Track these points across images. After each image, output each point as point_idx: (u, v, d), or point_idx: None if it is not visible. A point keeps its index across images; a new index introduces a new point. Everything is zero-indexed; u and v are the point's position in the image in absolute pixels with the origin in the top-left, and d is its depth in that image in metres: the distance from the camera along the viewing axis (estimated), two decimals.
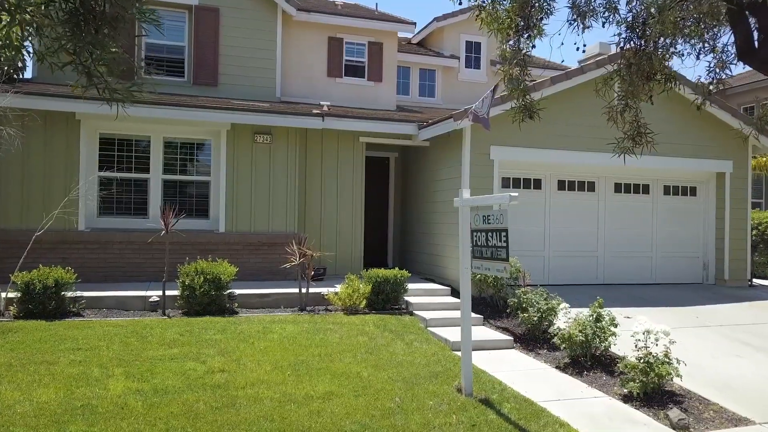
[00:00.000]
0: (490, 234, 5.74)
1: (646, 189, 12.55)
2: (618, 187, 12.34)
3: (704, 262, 12.74)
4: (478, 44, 17.34)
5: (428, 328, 8.89)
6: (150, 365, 6.52)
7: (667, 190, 12.69)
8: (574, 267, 11.91)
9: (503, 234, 5.52)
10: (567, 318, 7.89)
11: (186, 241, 10.49)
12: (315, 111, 11.33)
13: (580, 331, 7.36)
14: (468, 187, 10.63)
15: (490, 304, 10.04)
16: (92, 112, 10.02)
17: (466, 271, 6.27)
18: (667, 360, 6.37)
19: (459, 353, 7.82)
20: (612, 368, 7.37)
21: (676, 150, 11.88)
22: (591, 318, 7.51)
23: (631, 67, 4.82)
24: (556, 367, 7.50)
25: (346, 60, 14.24)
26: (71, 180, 10.00)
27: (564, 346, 7.46)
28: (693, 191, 12.86)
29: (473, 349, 8.11)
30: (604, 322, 7.46)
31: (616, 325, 7.51)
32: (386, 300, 9.65)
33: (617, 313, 7.87)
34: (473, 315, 9.30)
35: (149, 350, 7.03)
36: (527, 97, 5.48)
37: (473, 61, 17.35)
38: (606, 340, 7.39)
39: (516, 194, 5.42)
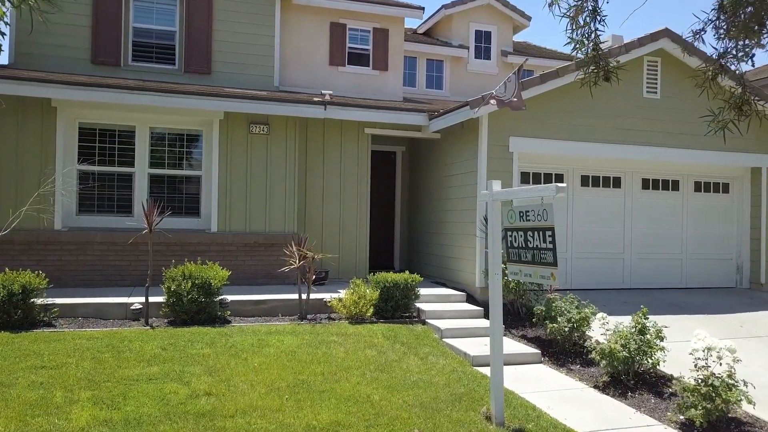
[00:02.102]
0: (530, 233, 4.78)
1: (675, 185, 11.57)
2: (645, 183, 11.36)
3: (738, 264, 11.77)
4: (488, 33, 16.37)
5: (444, 340, 7.93)
6: (124, 388, 5.55)
7: (698, 187, 11.70)
8: (598, 270, 10.94)
9: (549, 233, 4.55)
10: (605, 329, 6.92)
11: (174, 241, 9.52)
12: (316, 99, 10.36)
13: (622, 346, 6.39)
14: (485, 183, 9.71)
15: (511, 312, 9.06)
16: (70, 99, 9.07)
17: (497, 278, 5.30)
18: (733, 382, 5.40)
19: (482, 370, 6.88)
20: (660, 388, 6.41)
21: (708, 143, 10.90)
22: (634, 330, 6.55)
23: (736, 14, 3.82)
24: (594, 387, 6.53)
25: (350, 47, 13.25)
26: (47, 174, 9.00)
27: (604, 362, 6.49)
28: (726, 188, 11.88)
29: None
30: (649, 335, 6.49)
31: (662, 338, 6.55)
32: (395, 307, 8.67)
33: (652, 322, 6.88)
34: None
35: (125, 368, 6.05)
36: (600, 56, 4.34)
37: (483, 52, 16.37)
38: (653, 356, 6.42)
39: (564, 185, 4.45)
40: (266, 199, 10.21)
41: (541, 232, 4.65)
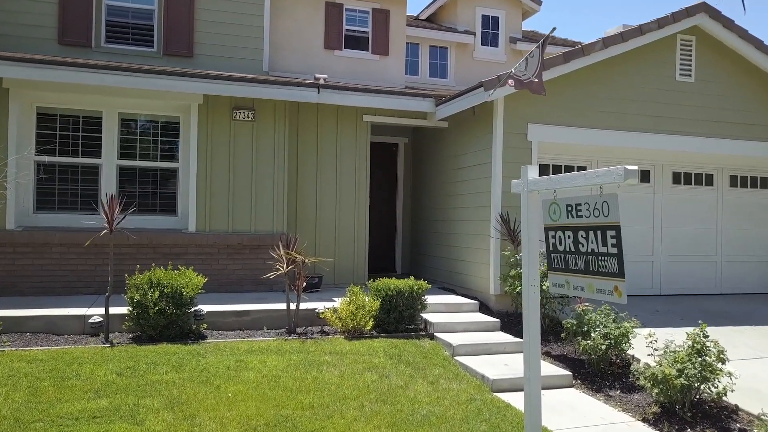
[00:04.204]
0: (582, 234, 3.61)
1: (709, 179, 10.41)
2: (677, 177, 10.20)
3: None
4: (496, 19, 15.22)
5: (456, 358, 6.76)
6: (57, 431, 4.37)
7: (733, 181, 10.55)
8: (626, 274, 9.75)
9: (611, 233, 3.39)
10: (653, 348, 5.77)
11: (146, 243, 8.35)
12: (308, 81, 9.18)
13: (678, 371, 5.23)
14: (500, 176, 8.56)
15: None
16: (23, 78, 7.88)
17: (533, 291, 4.14)
18: None
19: (504, 397, 5.74)
20: (724, 423, 5.25)
21: (746, 132, 9.77)
22: (691, 350, 5.39)
23: None
24: (643, 420, 5.37)
25: (347, 30, 12.11)
26: None
27: (656, 390, 5.32)
28: (764, 182, 10.72)
29: (520, 389, 6.03)
30: (709, 357, 5.33)
31: (724, 361, 5.40)
32: (399, 319, 7.50)
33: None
34: (511, 339, 7.19)
35: (66, 402, 4.86)
36: None
37: (490, 38, 15.21)
38: (716, 383, 5.26)
39: (635, 168, 3.29)
40: (252, 194, 9.03)
41: (599, 232, 3.49)
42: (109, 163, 8.67)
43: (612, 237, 3.38)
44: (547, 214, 3.94)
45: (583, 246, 3.61)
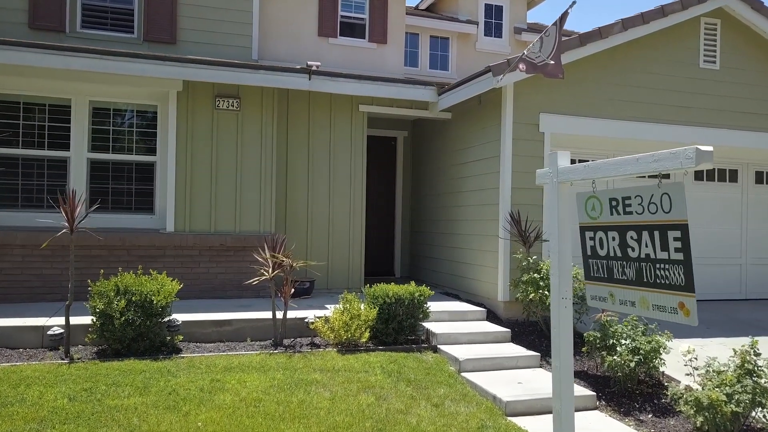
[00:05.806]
0: (632, 235, 2.84)
1: (733, 176, 9.65)
2: (698, 174, 9.43)
3: None
4: (500, 8, 14.46)
5: (462, 374, 5.99)
6: None
7: (759, 178, 9.79)
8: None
9: (675, 234, 2.62)
10: (692, 367, 5.00)
11: (119, 244, 7.57)
12: (299, 67, 8.39)
13: (727, 395, 4.46)
14: (510, 170, 7.80)
15: (544, 333, 7.14)
16: None
17: (564, 303, 3.37)
18: None
19: (520, 422, 4.97)
20: None
21: None
22: (740, 370, 4.62)
23: None
24: None
25: (342, 16, 11.32)
26: None
27: (701, 419, 4.54)
28: None
29: (539, 413, 5.29)
30: (762, 378, 4.56)
31: None
32: (398, 330, 6.71)
33: (724, 344, 4.92)
34: (523, 352, 6.42)
35: None
36: None
37: (494, 29, 14.45)
38: None
39: (710, 149, 2.54)
40: (237, 191, 8.25)
41: (656, 233, 2.72)
42: (78, 156, 7.88)
43: (676, 239, 2.61)
44: (583, 211, 3.17)
45: (633, 250, 2.84)
